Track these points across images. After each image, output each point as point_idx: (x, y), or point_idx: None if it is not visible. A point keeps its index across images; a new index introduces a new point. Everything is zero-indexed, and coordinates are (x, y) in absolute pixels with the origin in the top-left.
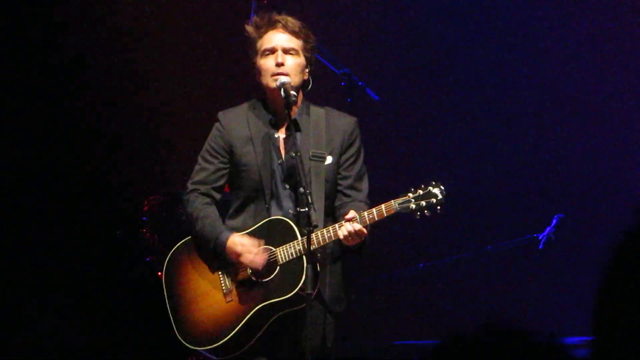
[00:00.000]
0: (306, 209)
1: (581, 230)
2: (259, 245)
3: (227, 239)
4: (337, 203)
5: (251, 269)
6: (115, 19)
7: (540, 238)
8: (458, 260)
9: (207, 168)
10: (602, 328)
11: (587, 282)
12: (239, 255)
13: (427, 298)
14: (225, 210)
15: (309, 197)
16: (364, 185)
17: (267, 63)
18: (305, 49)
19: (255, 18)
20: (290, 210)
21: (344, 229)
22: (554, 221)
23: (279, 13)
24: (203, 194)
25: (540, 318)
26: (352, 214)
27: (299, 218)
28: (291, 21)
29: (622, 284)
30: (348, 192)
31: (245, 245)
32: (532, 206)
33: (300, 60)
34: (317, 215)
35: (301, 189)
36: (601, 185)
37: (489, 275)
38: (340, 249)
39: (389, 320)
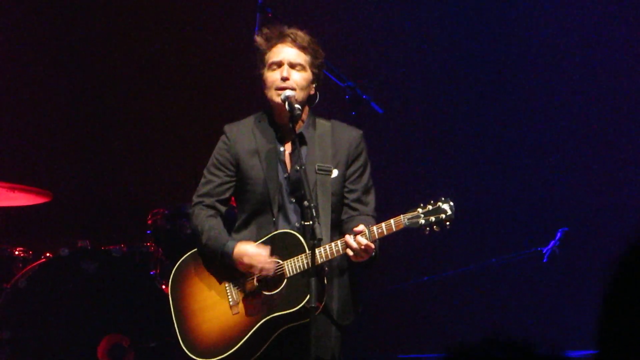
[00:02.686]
0: (310, 222)
1: (585, 244)
2: (266, 251)
3: (233, 248)
4: (343, 216)
5: (262, 276)
6: (122, 32)
7: (544, 252)
8: (463, 273)
9: (212, 181)
10: (606, 342)
11: (591, 296)
12: (247, 265)
13: (431, 311)
14: (232, 225)
15: (314, 211)
16: (371, 198)
17: (272, 76)
18: (312, 65)
19: (265, 30)
20: (296, 224)
21: (352, 243)
22: (558, 235)
23: (289, 26)
24: (208, 206)
25: (544, 331)
26: (361, 227)
27: (304, 231)
28: (301, 36)
29: (626, 298)
30: (355, 205)
31: (253, 254)
32: (537, 220)
33: (307, 75)
34: (322, 229)
35: (305, 203)
36: (605, 199)
37: (494, 288)
38: (347, 261)
39: (394, 333)
